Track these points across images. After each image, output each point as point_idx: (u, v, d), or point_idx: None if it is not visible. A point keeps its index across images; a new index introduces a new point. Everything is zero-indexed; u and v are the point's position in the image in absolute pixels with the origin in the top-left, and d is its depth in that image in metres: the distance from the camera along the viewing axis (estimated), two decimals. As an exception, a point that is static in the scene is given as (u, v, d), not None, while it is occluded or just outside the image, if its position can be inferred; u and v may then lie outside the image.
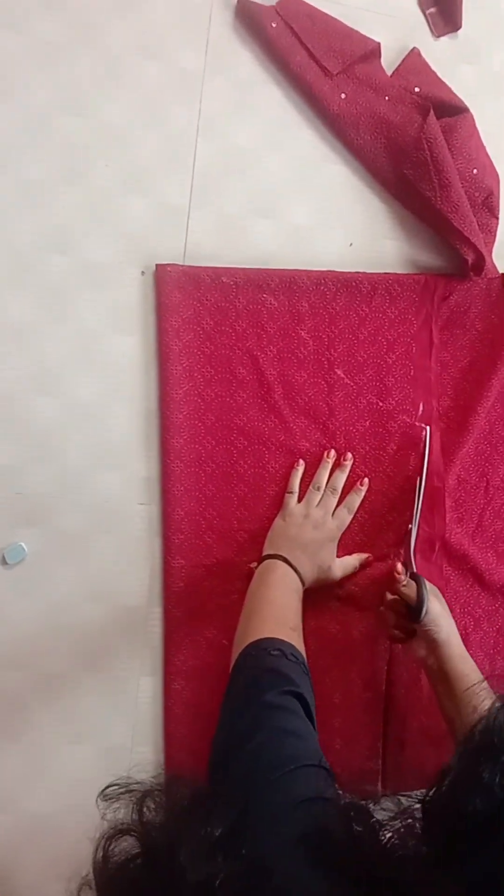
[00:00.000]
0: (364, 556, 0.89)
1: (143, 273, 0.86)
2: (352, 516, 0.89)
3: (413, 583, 0.81)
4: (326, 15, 0.90)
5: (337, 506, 0.88)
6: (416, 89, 0.91)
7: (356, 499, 0.89)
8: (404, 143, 0.90)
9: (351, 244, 0.92)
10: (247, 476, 0.87)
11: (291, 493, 0.87)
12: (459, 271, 0.93)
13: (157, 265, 0.85)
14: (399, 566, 0.83)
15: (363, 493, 0.89)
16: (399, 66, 0.92)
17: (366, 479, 0.90)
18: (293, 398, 0.89)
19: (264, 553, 0.84)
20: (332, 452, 0.89)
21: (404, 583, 0.82)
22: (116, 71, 0.86)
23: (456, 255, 0.91)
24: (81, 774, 0.85)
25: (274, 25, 0.88)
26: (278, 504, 0.88)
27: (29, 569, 0.84)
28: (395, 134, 0.90)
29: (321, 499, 0.87)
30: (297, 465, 0.88)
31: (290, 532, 0.85)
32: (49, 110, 0.85)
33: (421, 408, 0.93)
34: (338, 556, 0.87)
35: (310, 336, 0.90)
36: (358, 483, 0.90)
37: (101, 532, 0.86)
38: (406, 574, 0.83)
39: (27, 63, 0.84)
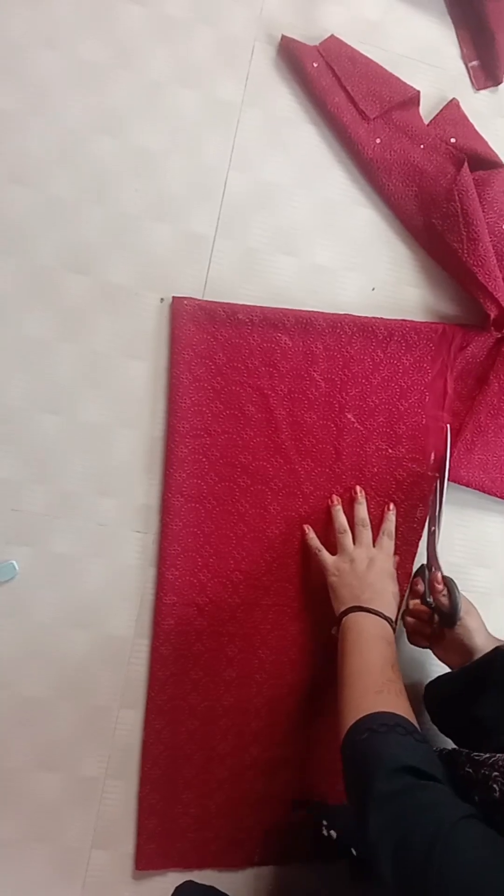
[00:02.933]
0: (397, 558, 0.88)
1: (161, 300, 0.85)
2: (393, 541, 0.87)
3: (446, 586, 0.81)
4: (368, 59, 0.89)
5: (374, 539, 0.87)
6: (452, 140, 0.90)
7: (391, 524, 0.87)
8: (436, 193, 0.89)
9: (373, 289, 0.91)
10: (247, 516, 0.86)
11: (321, 551, 0.85)
12: (479, 323, 0.92)
13: (173, 297, 0.84)
14: (438, 575, 0.82)
15: (394, 517, 0.88)
16: (437, 115, 0.92)
17: (391, 504, 0.89)
18: (301, 440, 0.88)
19: (338, 613, 0.80)
20: (337, 497, 0.87)
21: (443, 591, 0.81)
22: (154, 96, 0.86)
23: (478, 308, 0.90)
24: (49, 803, 0.83)
25: (315, 65, 0.88)
26: (277, 546, 0.87)
27: (18, 588, 0.83)
28: (427, 183, 0.89)
29: (355, 538, 0.85)
30: (307, 531, 0.87)
31: (348, 581, 0.81)
32: (83, 129, 0.84)
33: (432, 457, 0.92)
34: None
35: (322, 378, 0.89)
36: (385, 508, 0.88)
37: (93, 557, 0.84)
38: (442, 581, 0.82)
39: (66, 80, 0.84)
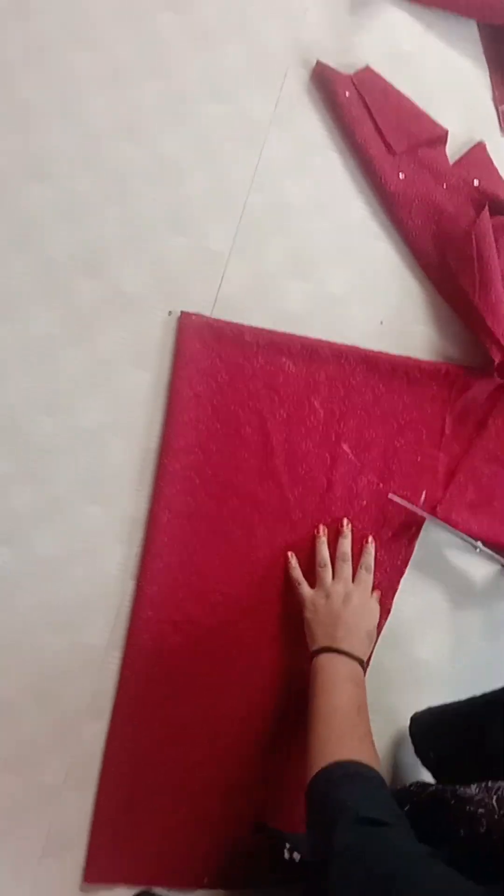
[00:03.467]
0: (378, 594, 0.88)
1: (170, 313, 0.85)
2: (372, 575, 0.86)
3: None
4: (400, 93, 0.89)
5: (354, 572, 0.86)
6: (476, 182, 0.90)
7: (369, 557, 0.87)
8: (453, 234, 0.89)
9: (381, 322, 0.91)
10: (233, 537, 0.86)
11: (301, 584, 0.85)
12: (483, 367, 0.92)
13: (182, 312, 0.84)
14: None
15: (374, 550, 0.88)
16: (462, 156, 0.92)
17: (370, 537, 0.88)
18: (294, 466, 0.88)
19: (310, 651, 0.80)
20: (323, 528, 0.87)
21: None
22: (183, 106, 0.85)
23: (483, 353, 0.90)
24: (4, 805, 0.82)
25: (347, 94, 0.87)
26: (259, 570, 0.86)
27: (-5, 587, 0.82)
28: (447, 223, 0.89)
29: (335, 572, 0.85)
30: (290, 558, 0.87)
31: (322, 619, 0.81)
32: (109, 132, 0.84)
33: (423, 496, 0.92)
34: None
35: (322, 407, 0.88)
36: (364, 542, 0.88)
37: (75, 563, 0.84)
38: None
39: (97, 81, 0.83)
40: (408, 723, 0.89)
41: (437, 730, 0.86)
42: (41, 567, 0.83)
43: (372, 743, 0.71)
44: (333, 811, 0.61)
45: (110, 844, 0.83)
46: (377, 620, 0.85)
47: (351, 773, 0.64)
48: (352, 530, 0.88)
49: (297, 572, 0.86)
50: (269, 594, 0.87)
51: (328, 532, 0.88)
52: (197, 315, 0.84)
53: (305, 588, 0.85)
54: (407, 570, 0.91)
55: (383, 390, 0.90)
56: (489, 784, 0.66)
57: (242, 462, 0.86)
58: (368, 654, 0.81)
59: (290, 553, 0.87)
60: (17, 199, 0.82)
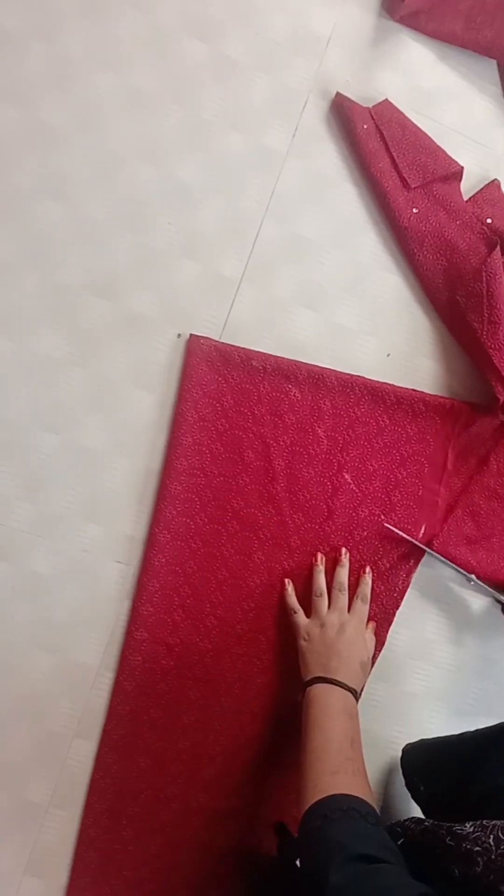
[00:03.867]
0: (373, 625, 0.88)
1: (178, 336, 0.85)
2: (368, 605, 0.86)
3: None
4: (418, 128, 0.90)
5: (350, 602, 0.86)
6: (489, 220, 0.91)
7: (366, 588, 0.87)
8: (464, 270, 0.89)
9: (388, 355, 0.91)
10: (230, 561, 0.86)
11: (296, 612, 0.85)
12: (487, 405, 0.92)
13: (191, 335, 0.84)
14: None
15: (370, 581, 0.87)
16: (476, 193, 0.92)
17: (368, 567, 0.88)
18: (295, 493, 0.88)
19: (304, 681, 0.79)
20: (321, 556, 0.87)
21: None
22: (201, 134, 0.86)
23: (488, 390, 0.90)
24: (-12, 822, 0.82)
25: (365, 126, 0.88)
26: (256, 596, 0.86)
27: (-10, 601, 0.82)
28: (458, 259, 0.90)
29: (331, 602, 0.85)
30: (287, 585, 0.87)
31: (316, 648, 0.81)
32: (127, 155, 0.85)
33: (422, 530, 0.92)
34: None
35: (325, 435, 0.88)
36: (361, 572, 0.88)
37: (71, 581, 0.84)
38: None
39: (118, 105, 0.84)
40: (399, 755, 0.89)
41: (428, 764, 0.85)
42: (37, 584, 0.83)
43: (366, 777, 0.70)
44: (328, 848, 0.60)
45: (94, 865, 0.82)
46: (372, 652, 0.85)
47: (345, 809, 0.64)
48: (349, 560, 0.88)
49: (292, 600, 0.86)
50: (265, 620, 0.87)
51: (325, 561, 0.88)
52: (206, 338, 0.85)
53: (301, 617, 0.85)
54: (403, 603, 0.90)
55: (387, 422, 0.90)
56: (484, 822, 0.65)
57: (244, 486, 0.86)
58: (362, 685, 0.81)
59: (287, 580, 0.87)
60: (33, 217, 0.83)
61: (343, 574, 0.87)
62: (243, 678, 0.86)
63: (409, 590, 0.91)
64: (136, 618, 0.83)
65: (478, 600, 0.94)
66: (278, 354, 0.87)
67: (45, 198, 0.83)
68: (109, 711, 0.83)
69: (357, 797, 0.65)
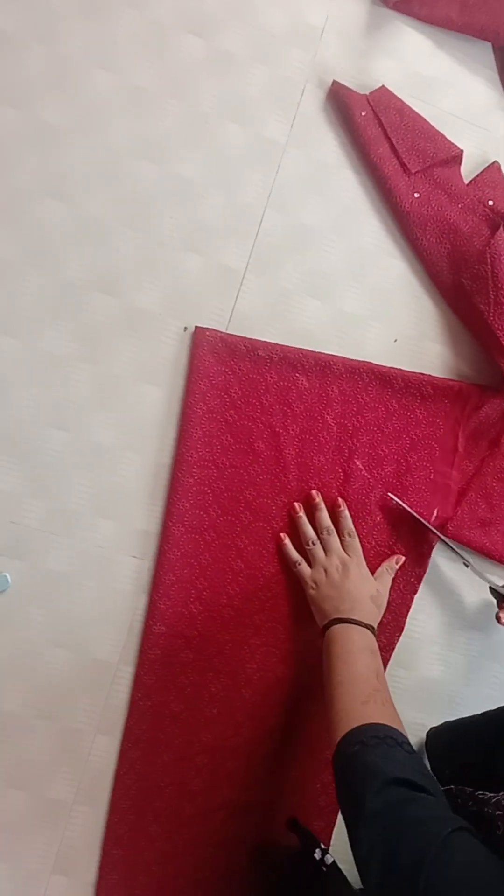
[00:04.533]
0: (391, 562, 0.88)
1: (185, 329, 0.85)
2: (356, 538, 0.86)
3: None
4: (416, 113, 0.90)
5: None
6: (490, 203, 0.91)
7: (348, 521, 0.87)
8: (468, 253, 0.89)
9: (395, 340, 0.91)
10: (245, 552, 0.86)
11: (299, 563, 0.85)
12: (496, 386, 0.92)
13: (196, 327, 0.84)
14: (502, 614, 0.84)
15: (346, 512, 0.87)
16: (477, 176, 0.92)
17: (340, 500, 0.87)
18: (307, 481, 0.88)
19: (321, 626, 0.80)
20: (299, 505, 0.87)
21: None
22: (200, 127, 0.86)
23: (496, 371, 0.90)
24: (12, 821, 0.82)
25: (363, 114, 0.88)
26: (272, 586, 0.86)
27: (7, 601, 0.82)
28: (461, 242, 0.90)
29: (324, 546, 0.85)
30: (284, 538, 0.86)
31: (327, 594, 0.82)
32: (127, 152, 0.85)
33: (435, 513, 0.91)
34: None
35: (335, 422, 0.88)
36: (336, 508, 0.87)
37: (87, 578, 0.84)
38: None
39: (117, 103, 0.85)
40: (422, 740, 0.89)
41: (453, 745, 0.85)
42: (54, 582, 0.83)
43: (394, 707, 0.70)
44: (366, 772, 0.60)
45: (121, 862, 0.82)
46: (376, 585, 0.85)
47: (381, 736, 0.63)
48: (322, 498, 0.87)
49: (292, 552, 0.86)
50: (282, 610, 0.87)
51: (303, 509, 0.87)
52: (211, 330, 0.85)
53: (305, 567, 0.85)
54: (420, 588, 0.90)
55: (396, 406, 0.90)
56: None
57: (255, 477, 0.86)
58: (378, 621, 0.82)
59: (282, 534, 0.87)
60: (36, 215, 0.83)
61: (324, 516, 0.86)
62: (263, 669, 0.86)
63: (425, 575, 0.90)
64: (153, 612, 0.83)
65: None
66: (285, 344, 0.87)
67: (47, 197, 0.83)
68: (131, 706, 0.83)
69: (391, 726, 0.65)
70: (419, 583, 0.90)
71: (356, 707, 0.68)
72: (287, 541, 0.87)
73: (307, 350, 0.87)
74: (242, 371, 0.86)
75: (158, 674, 0.83)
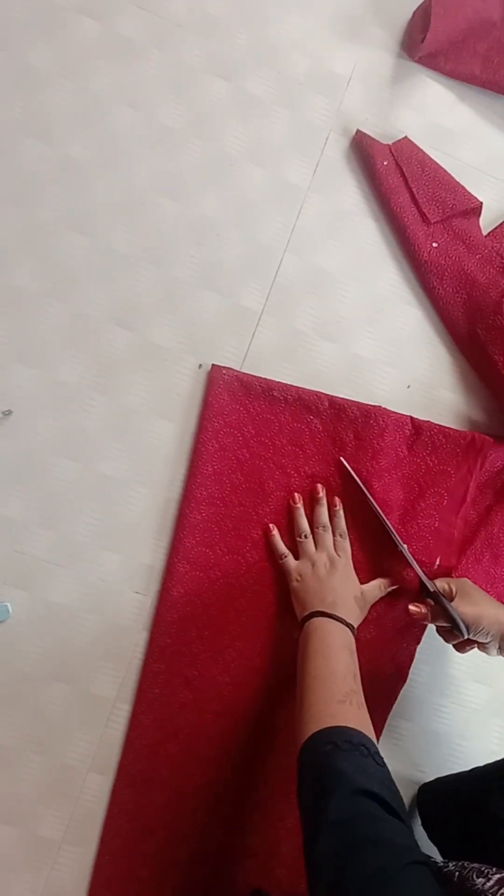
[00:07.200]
0: (384, 581, 0.86)
1: (200, 366, 0.86)
2: (348, 539, 0.86)
3: (437, 605, 0.79)
4: (437, 164, 0.91)
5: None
6: (507, 255, 0.92)
7: (342, 522, 0.86)
8: (484, 304, 0.90)
9: (409, 386, 0.91)
10: (249, 591, 0.85)
11: (286, 556, 0.84)
12: (508, 439, 0.92)
13: (213, 365, 0.85)
14: (412, 607, 0.81)
15: (342, 513, 0.87)
16: (496, 228, 0.93)
17: (337, 499, 0.87)
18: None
19: (300, 618, 0.79)
20: (298, 496, 0.86)
21: (427, 620, 0.80)
22: (224, 168, 0.88)
23: (508, 423, 0.91)
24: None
25: (385, 163, 0.90)
26: (275, 628, 0.85)
27: (7, 631, 0.81)
28: (477, 293, 0.90)
29: (316, 541, 0.85)
30: (272, 530, 0.86)
31: (311, 586, 0.81)
32: (150, 189, 0.86)
33: (437, 562, 0.91)
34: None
35: (347, 466, 0.88)
36: (333, 506, 0.86)
37: (89, 611, 0.83)
38: (424, 608, 0.80)
39: (142, 140, 0.86)
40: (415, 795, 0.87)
41: (442, 800, 0.83)
42: (55, 614, 0.82)
43: (367, 713, 0.68)
44: (335, 778, 0.58)
45: (107, 906, 0.80)
46: (362, 589, 0.84)
47: (355, 743, 0.62)
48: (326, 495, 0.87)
49: (280, 544, 0.85)
50: (286, 654, 0.86)
51: (303, 501, 0.87)
52: (227, 368, 0.85)
53: (291, 560, 0.84)
54: (423, 639, 0.89)
55: (406, 453, 0.90)
56: None
57: (264, 517, 0.86)
58: (358, 622, 0.80)
59: (270, 525, 0.86)
60: (58, 247, 0.84)
61: (323, 513, 0.86)
62: (263, 713, 0.85)
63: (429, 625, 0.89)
64: (153, 649, 0.82)
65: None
66: (299, 385, 0.87)
67: (70, 230, 0.84)
68: (126, 745, 0.81)
69: (365, 735, 0.64)
70: (423, 632, 0.89)
71: (331, 704, 0.67)
72: (275, 532, 0.86)
73: (322, 392, 0.88)
74: (257, 411, 0.86)
75: (156, 713, 0.81)
